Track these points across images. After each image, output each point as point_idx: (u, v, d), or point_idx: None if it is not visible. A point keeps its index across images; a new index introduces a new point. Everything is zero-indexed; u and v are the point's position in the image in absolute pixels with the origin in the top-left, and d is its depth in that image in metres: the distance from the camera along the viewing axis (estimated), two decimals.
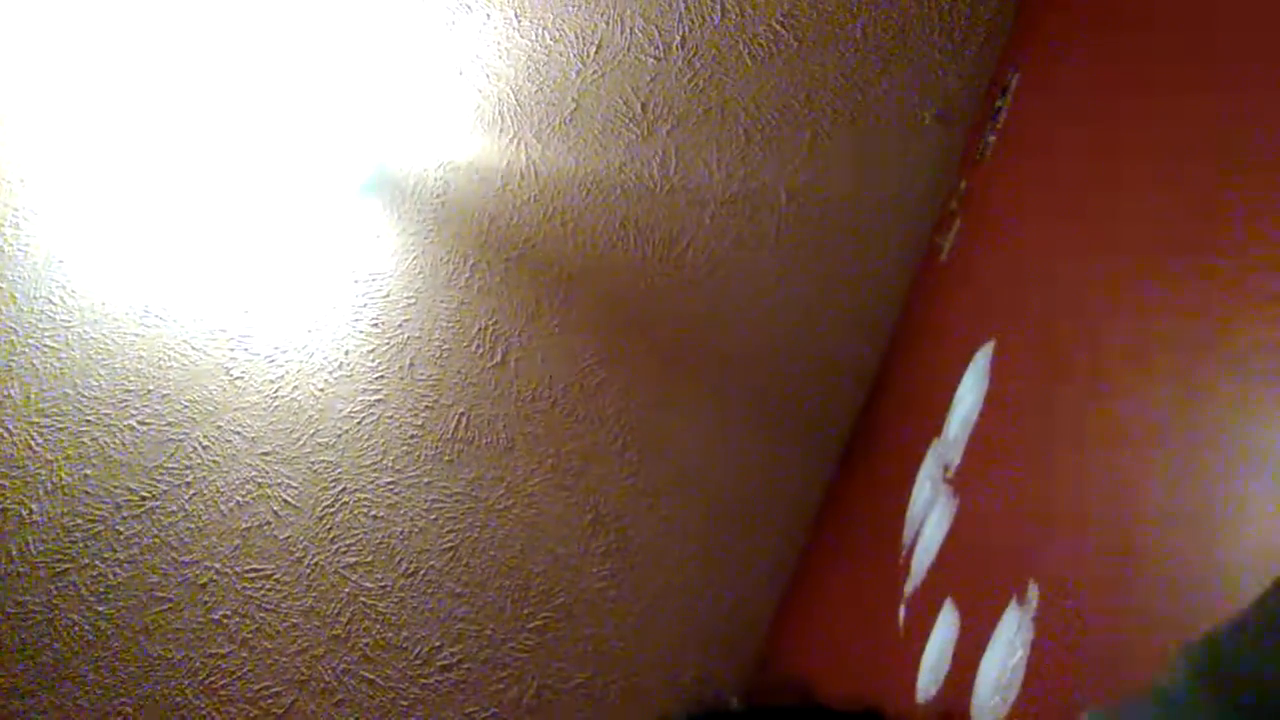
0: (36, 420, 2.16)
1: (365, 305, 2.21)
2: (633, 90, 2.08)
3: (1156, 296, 1.02)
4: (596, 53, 2.07)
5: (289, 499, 2.23)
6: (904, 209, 2.14)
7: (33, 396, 2.15)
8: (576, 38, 2.06)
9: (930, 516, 1.50)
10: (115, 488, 2.19)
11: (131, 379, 2.17)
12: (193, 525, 2.21)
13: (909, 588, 1.49)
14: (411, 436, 2.25)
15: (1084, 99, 1.45)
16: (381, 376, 2.23)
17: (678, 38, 2.05)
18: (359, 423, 2.24)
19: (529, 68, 2.08)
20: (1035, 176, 1.60)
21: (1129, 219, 1.16)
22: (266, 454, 2.22)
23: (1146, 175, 1.14)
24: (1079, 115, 1.46)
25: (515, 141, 2.13)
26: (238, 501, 2.22)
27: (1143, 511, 0.93)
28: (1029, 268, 1.48)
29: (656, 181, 2.14)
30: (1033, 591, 1.06)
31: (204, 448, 2.20)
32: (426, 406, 2.24)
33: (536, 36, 2.07)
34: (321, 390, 2.22)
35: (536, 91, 2.09)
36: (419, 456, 2.25)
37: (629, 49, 2.06)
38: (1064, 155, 1.48)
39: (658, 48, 2.06)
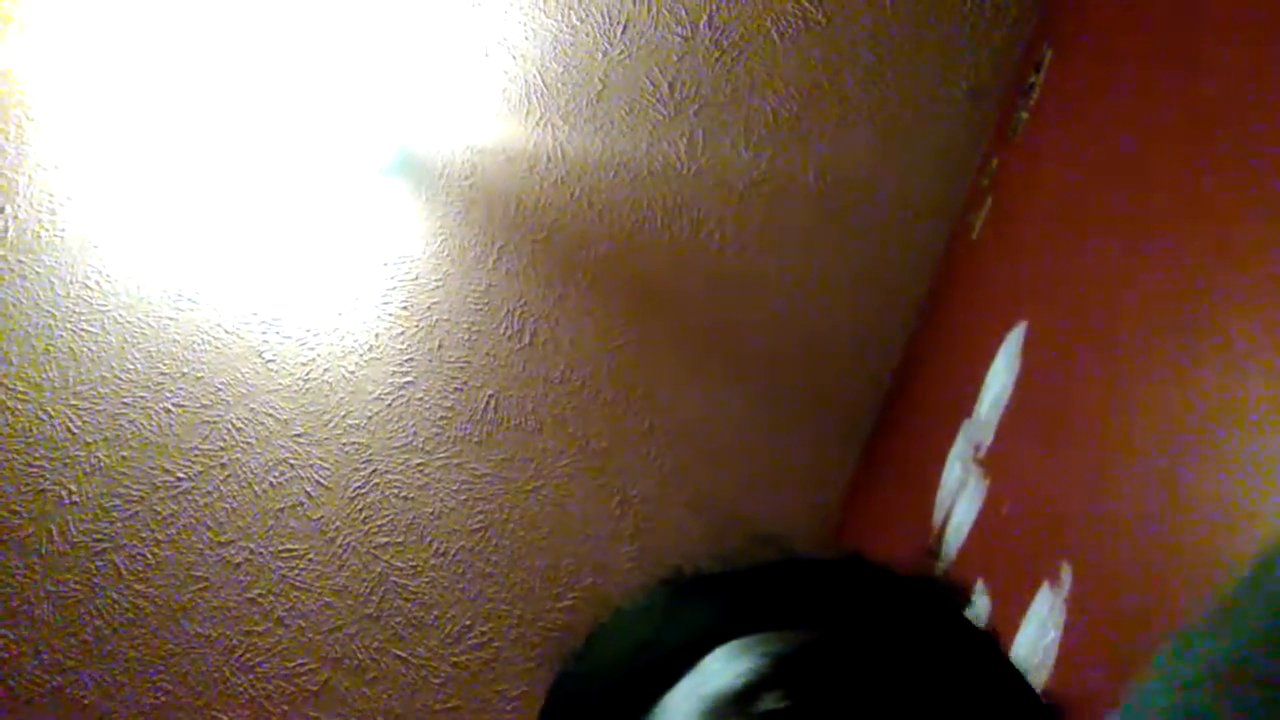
0: (75, 403, 2.20)
1: (394, 288, 2.22)
2: (660, 70, 2.07)
3: (1195, 275, 1.01)
4: (623, 32, 2.05)
5: (321, 480, 2.26)
6: (934, 187, 2.12)
7: (71, 379, 2.19)
8: (603, 17, 2.05)
9: (960, 498, 1.49)
10: (152, 469, 2.23)
11: (166, 362, 2.20)
12: (228, 506, 2.25)
13: (939, 570, 1.49)
14: (441, 418, 2.26)
15: (1119, 75, 1.42)
16: (411, 359, 2.25)
17: (705, 16, 2.03)
18: (389, 405, 2.26)
19: (555, 48, 2.07)
20: (1068, 154, 1.58)
21: (1165, 196, 1.14)
22: (299, 436, 2.25)
23: (1183, 153, 1.12)
24: (1114, 91, 1.43)
25: (542, 123, 2.12)
26: (271, 483, 2.25)
27: (1178, 494, 0.92)
28: (1062, 247, 1.46)
29: (684, 162, 2.13)
30: (1066, 573, 1.05)
31: (238, 430, 2.23)
32: (456, 388, 2.26)
33: (562, 16, 2.06)
34: (352, 373, 2.24)
35: (563, 72, 2.09)
36: (449, 438, 2.27)
37: (656, 28, 2.05)
38: (1098, 133, 1.45)
39: (685, 27, 2.04)
